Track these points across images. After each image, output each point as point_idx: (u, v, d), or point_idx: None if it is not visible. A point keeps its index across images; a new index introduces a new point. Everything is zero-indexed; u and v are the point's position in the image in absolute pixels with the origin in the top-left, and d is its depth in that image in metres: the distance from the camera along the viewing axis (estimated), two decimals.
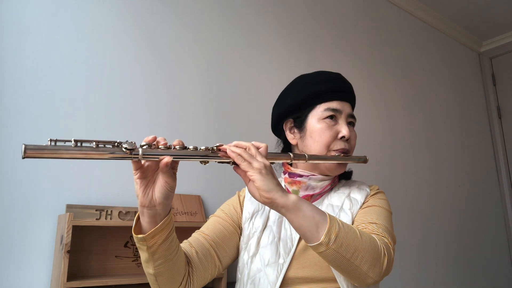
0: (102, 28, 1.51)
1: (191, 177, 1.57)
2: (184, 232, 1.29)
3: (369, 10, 2.58)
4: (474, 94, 3.30)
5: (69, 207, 1.27)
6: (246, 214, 0.98)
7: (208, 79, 1.75)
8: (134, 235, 0.73)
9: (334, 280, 0.85)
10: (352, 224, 0.90)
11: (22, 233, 1.22)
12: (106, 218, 1.30)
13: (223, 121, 1.74)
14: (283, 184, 1.03)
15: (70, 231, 1.15)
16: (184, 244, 0.88)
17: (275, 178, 0.74)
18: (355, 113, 1.04)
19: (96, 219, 1.29)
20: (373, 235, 0.79)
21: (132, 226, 0.74)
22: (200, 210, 1.52)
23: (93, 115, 1.42)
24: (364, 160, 1.01)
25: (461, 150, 2.97)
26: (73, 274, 1.23)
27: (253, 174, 0.72)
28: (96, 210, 1.30)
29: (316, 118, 0.97)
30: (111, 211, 1.32)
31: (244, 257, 0.94)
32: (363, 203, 0.95)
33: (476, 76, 3.39)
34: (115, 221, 1.31)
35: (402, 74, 2.70)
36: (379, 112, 2.45)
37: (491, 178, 3.19)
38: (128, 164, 1.45)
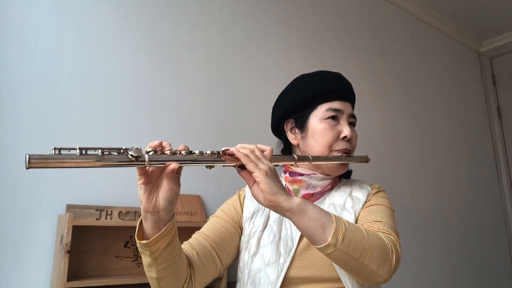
0: (103, 28, 1.50)
1: (191, 177, 1.57)
2: (184, 232, 1.29)
3: (369, 10, 2.58)
4: (474, 94, 3.30)
5: (69, 207, 1.27)
6: (246, 213, 0.98)
7: (210, 77, 1.74)
8: (137, 241, 0.72)
9: (337, 279, 0.85)
10: (356, 223, 0.90)
11: (22, 233, 1.22)
12: (106, 218, 1.30)
13: (225, 120, 1.73)
14: (283, 183, 1.03)
15: (70, 231, 1.15)
16: (185, 246, 0.88)
17: (279, 182, 0.74)
18: (356, 112, 1.04)
19: (96, 219, 1.29)
20: (379, 233, 0.79)
21: (134, 228, 0.74)
22: (200, 210, 1.52)
23: (94, 115, 1.42)
24: (366, 160, 1.02)
25: (461, 150, 2.97)
26: (73, 274, 1.22)
27: (259, 176, 0.72)
28: (96, 210, 1.29)
29: (318, 118, 0.97)
30: (111, 211, 1.32)
31: (244, 256, 0.94)
32: (365, 202, 0.95)
33: (476, 76, 3.39)
34: (115, 221, 1.30)
35: (403, 74, 2.69)
36: (380, 111, 2.44)
37: (491, 177, 3.19)
38: None
